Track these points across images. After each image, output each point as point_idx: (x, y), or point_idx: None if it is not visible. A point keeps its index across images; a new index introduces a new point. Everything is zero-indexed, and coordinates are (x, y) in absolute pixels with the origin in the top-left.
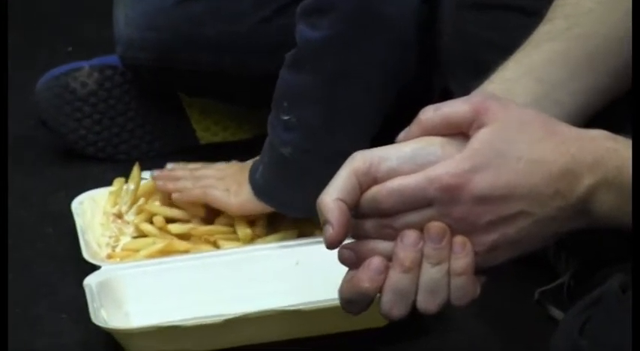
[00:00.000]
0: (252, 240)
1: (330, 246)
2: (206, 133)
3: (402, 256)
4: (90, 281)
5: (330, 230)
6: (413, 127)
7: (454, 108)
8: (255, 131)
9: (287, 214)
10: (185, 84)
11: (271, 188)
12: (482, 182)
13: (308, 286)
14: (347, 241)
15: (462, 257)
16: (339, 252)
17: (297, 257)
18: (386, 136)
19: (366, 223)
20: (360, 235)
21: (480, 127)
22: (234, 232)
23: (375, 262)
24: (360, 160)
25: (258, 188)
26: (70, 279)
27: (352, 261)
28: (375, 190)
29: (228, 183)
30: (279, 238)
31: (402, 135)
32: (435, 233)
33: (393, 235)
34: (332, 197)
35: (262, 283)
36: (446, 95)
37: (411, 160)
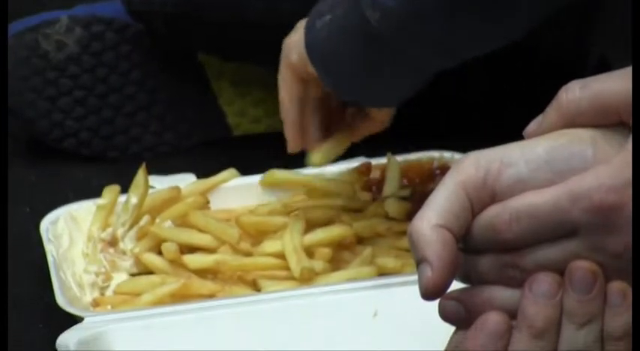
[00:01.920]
0: (309, 279)
1: (428, 294)
2: (242, 120)
3: (531, 313)
4: (67, 341)
5: (428, 272)
6: (550, 114)
7: (609, 84)
8: None
9: (340, 96)
10: (218, 42)
11: (333, 55)
12: None
13: (391, 349)
14: (452, 288)
15: (623, 312)
16: (440, 304)
17: (375, 306)
18: (514, 124)
19: (480, 261)
20: (471, 279)
21: None
22: (284, 268)
23: (492, 320)
24: (472, 165)
25: (314, 43)
26: (38, 336)
27: (460, 317)
28: (493, 213)
29: None
30: (350, 277)
31: (532, 126)
32: (582, 277)
33: (519, 279)
34: (431, 223)
35: (324, 343)
36: (602, 67)
37: (547, 165)
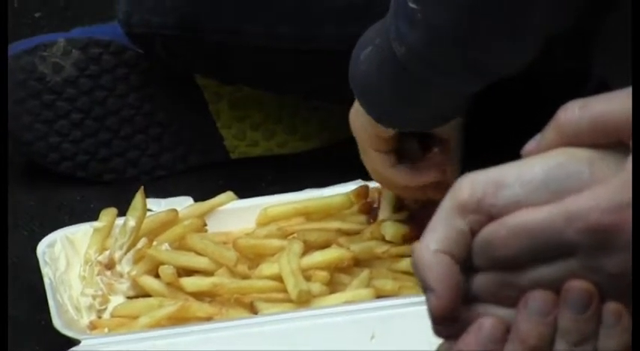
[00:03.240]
0: (307, 302)
1: (436, 321)
2: (240, 143)
3: (524, 330)
4: None
5: (433, 299)
6: (548, 133)
7: (609, 105)
8: (319, 140)
9: (382, 123)
10: (217, 65)
11: (370, 82)
12: None
13: None
14: None
15: (617, 334)
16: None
17: (373, 328)
18: (514, 147)
19: (477, 279)
20: (466, 296)
21: None
22: (281, 290)
23: (488, 325)
24: (467, 189)
25: (358, 76)
26: None
27: (452, 332)
28: (490, 229)
29: None
30: (347, 300)
31: (530, 144)
32: (577, 297)
33: (514, 299)
34: (431, 249)
35: None
36: (601, 90)
37: (544, 185)
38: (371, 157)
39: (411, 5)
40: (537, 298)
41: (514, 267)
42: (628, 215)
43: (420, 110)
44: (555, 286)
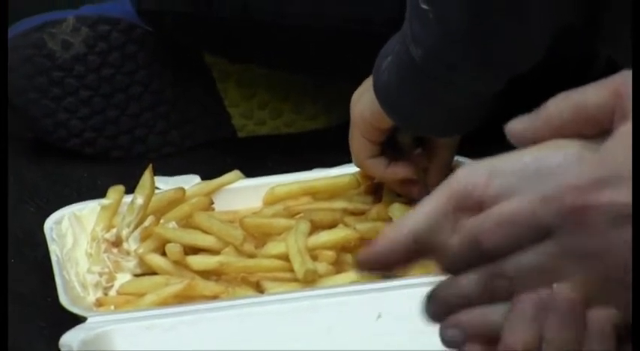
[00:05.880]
0: (313, 282)
1: (363, 259)
2: (247, 122)
3: (510, 341)
4: (70, 340)
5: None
6: (537, 125)
7: (587, 95)
8: (327, 119)
9: (407, 130)
10: (226, 43)
11: (392, 91)
12: (620, 195)
13: None
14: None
15: (603, 340)
16: (441, 331)
17: (379, 308)
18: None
19: (468, 278)
20: (464, 301)
21: (623, 117)
22: (288, 270)
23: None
24: (462, 178)
25: (380, 86)
26: (40, 336)
27: (461, 342)
28: (475, 224)
29: None
30: (354, 280)
31: (517, 125)
32: (561, 306)
33: (506, 289)
34: (404, 231)
35: (328, 345)
36: (610, 68)
37: (534, 174)
38: (356, 141)
39: (423, 6)
40: (521, 300)
41: (501, 257)
42: (601, 194)
43: (438, 113)
44: (538, 273)
